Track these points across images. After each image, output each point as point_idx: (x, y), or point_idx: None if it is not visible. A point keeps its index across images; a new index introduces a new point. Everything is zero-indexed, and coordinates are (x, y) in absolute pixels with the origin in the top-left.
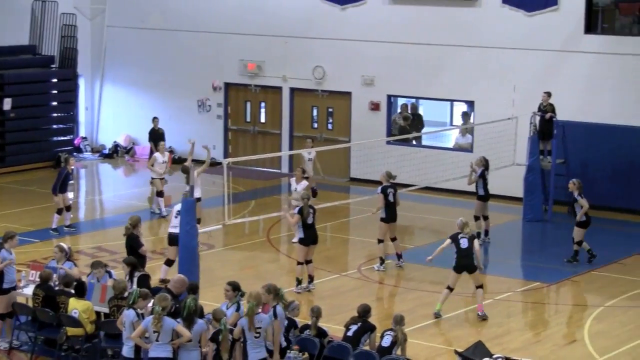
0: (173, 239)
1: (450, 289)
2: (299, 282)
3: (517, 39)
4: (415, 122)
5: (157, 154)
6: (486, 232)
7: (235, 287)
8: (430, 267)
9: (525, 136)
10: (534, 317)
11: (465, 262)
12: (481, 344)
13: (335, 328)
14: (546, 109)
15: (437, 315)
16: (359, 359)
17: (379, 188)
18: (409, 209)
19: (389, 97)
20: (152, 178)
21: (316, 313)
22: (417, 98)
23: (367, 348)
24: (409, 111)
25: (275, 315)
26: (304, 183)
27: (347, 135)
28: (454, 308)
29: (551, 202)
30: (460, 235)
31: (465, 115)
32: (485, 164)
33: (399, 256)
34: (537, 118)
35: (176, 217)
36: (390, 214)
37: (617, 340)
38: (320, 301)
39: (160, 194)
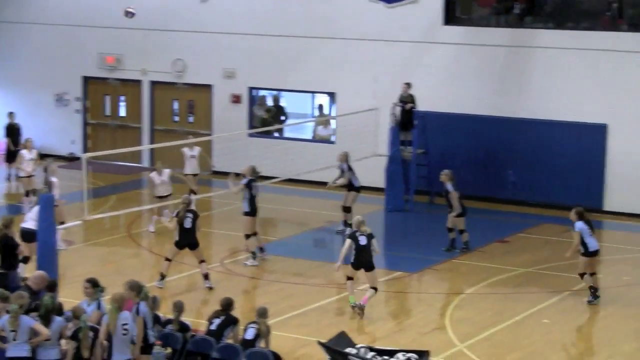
0: (26, 235)
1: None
2: (163, 277)
3: (378, 31)
4: (277, 113)
5: (23, 151)
6: (345, 223)
7: (94, 284)
8: (295, 259)
9: (386, 127)
10: (396, 306)
11: (364, 259)
12: (344, 334)
13: (198, 322)
14: (406, 100)
15: (355, 306)
16: (223, 353)
17: (245, 180)
18: (271, 201)
19: (251, 89)
20: (19, 177)
21: (178, 307)
22: (279, 90)
23: (230, 341)
24: (271, 103)
25: (137, 312)
26: (167, 171)
27: (208, 129)
28: (318, 299)
29: (412, 192)
30: (358, 233)
31: (322, 108)
32: (346, 159)
33: (262, 249)
34: (398, 109)
35: (29, 211)
36: (253, 207)
37: (478, 326)
38: (183, 295)
39: (28, 193)
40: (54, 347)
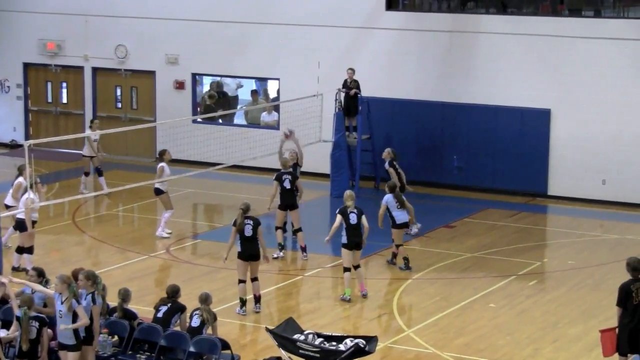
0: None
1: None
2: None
3: (320, 16)
4: (221, 100)
5: None
6: None
7: (39, 273)
8: None
9: (330, 113)
10: (343, 292)
11: (356, 239)
12: (292, 321)
13: (145, 310)
14: (351, 85)
15: (347, 300)
16: (170, 340)
17: (275, 175)
18: (217, 187)
19: (194, 75)
20: None
21: (122, 295)
22: (223, 76)
23: (177, 329)
24: (214, 89)
25: (94, 301)
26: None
27: (152, 115)
28: (265, 285)
29: (358, 178)
30: (348, 210)
31: (255, 94)
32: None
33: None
34: (342, 94)
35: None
36: (283, 200)
37: (425, 312)
38: (128, 283)
39: None
40: None
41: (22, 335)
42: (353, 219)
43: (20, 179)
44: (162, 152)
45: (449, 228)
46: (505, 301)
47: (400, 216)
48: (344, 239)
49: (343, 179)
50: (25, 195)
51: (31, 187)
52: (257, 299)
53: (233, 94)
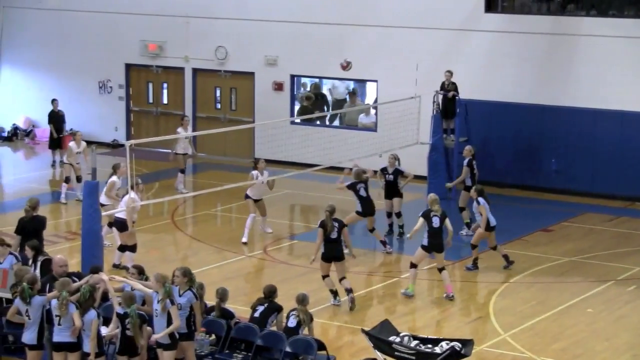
0: (118, 224)
1: (415, 266)
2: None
3: (419, 18)
4: (318, 101)
5: (72, 144)
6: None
7: (140, 271)
8: None
9: (428, 115)
10: (439, 295)
11: (437, 242)
12: (388, 322)
13: (241, 309)
14: (449, 88)
15: (409, 296)
16: (267, 340)
17: (350, 183)
18: (314, 188)
19: (293, 77)
20: (63, 162)
21: (220, 294)
22: (320, 78)
23: (274, 329)
24: (312, 90)
25: (195, 297)
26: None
27: (250, 116)
28: (361, 287)
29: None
30: (432, 213)
31: (353, 95)
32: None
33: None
34: (440, 97)
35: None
36: (364, 207)
37: (521, 315)
38: (226, 282)
39: (67, 179)
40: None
41: (134, 329)
42: (436, 222)
43: (114, 177)
44: (256, 161)
45: (547, 232)
46: (603, 306)
47: (493, 218)
48: (425, 242)
49: (440, 182)
50: (127, 195)
51: (132, 187)
52: (349, 291)
53: (341, 97)
